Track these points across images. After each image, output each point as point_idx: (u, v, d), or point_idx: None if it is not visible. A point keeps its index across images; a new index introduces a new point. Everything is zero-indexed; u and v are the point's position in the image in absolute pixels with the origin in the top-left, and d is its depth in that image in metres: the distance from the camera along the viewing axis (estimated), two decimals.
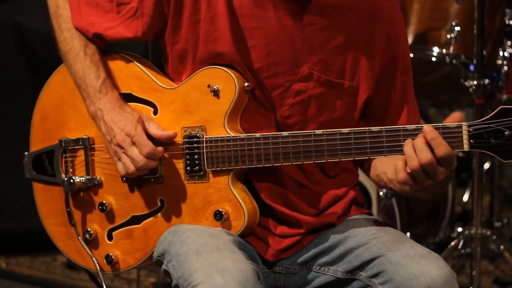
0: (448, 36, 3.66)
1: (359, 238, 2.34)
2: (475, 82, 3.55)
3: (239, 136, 2.31)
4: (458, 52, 3.67)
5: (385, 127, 2.21)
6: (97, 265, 2.47)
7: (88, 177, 2.48)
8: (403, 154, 2.19)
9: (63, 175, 2.50)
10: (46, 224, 2.58)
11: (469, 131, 2.15)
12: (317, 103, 2.38)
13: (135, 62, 2.46)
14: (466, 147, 2.15)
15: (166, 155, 2.37)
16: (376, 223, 2.44)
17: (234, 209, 2.31)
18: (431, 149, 2.15)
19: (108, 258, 2.46)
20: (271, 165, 2.30)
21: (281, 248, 2.39)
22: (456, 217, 4.40)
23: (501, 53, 3.76)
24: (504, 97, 3.90)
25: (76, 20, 2.46)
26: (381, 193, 3.68)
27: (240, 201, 2.31)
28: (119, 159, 2.35)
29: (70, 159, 2.50)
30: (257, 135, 2.30)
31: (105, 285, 2.47)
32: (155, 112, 2.41)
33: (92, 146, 2.48)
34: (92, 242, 2.49)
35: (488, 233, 3.74)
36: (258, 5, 2.33)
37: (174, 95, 2.39)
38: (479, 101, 3.56)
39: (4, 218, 4.49)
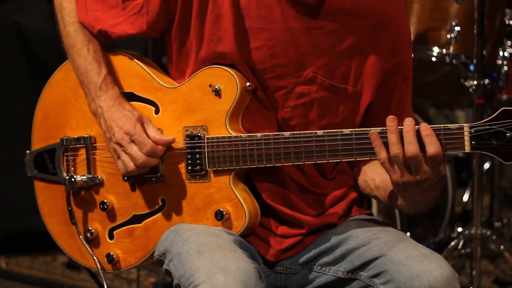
0: (448, 36, 3.66)
1: (361, 238, 2.34)
2: (475, 82, 3.55)
3: (241, 136, 2.31)
4: (458, 52, 3.67)
5: (384, 128, 2.20)
6: (98, 264, 2.47)
7: (89, 176, 2.48)
8: None
9: (65, 174, 2.50)
10: (47, 222, 2.58)
11: (470, 133, 2.15)
12: (319, 106, 2.38)
13: (137, 61, 2.47)
14: (467, 148, 2.15)
15: (167, 154, 2.37)
16: (377, 223, 2.44)
17: (235, 209, 2.31)
18: (422, 145, 2.14)
19: (109, 257, 2.46)
20: (272, 165, 2.30)
21: (282, 248, 2.39)
22: (456, 217, 4.40)
23: (501, 53, 3.76)
24: (504, 97, 3.90)
25: (82, 15, 2.46)
26: None
27: (241, 201, 2.31)
28: (119, 157, 2.35)
29: (72, 157, 2.50)
30: (259, 135, 2.30)
31: (106, 285, 2.46)
32: (157, 112, 2.41)
33: (94, 144, 2.48)
34: (93, 241, 2.49)
35: (488, 233, 3.74)
36: (265, 6, 2.33)
37: (176, 95, 2.39)
38: (479, 101, 3.56)
39: (5, 218, 4.49)
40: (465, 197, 4.75)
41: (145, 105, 2.42)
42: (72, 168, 2.50)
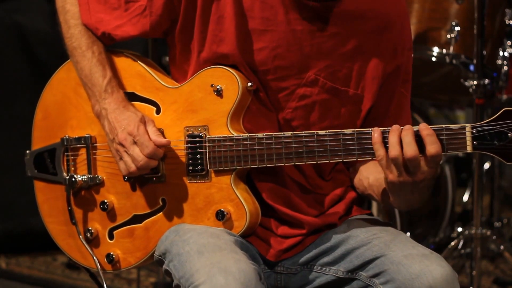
0: (448, 36, 3.66)
1: (361, 238, 2.34)
2: (475, 82, 3.55)
3: (242, 136, 2.31)
4: (458, 52, 3.67)
5: (388, 128, 2.21)
6: (98, 264, 2.46)
7: (89, 176, 2.48)
8: None
9: (65, 174, 2.50)
10: (47, 222, 2.58)
11: (472, 133, 2.15)
12: (320, 109, 2.38)
13: (138, 62, 2.47)
14: (469, 148, 2.15)
15: (168, 154, 2.37)
16: (377, 223, 2.45)
17: (236, 209, 2.31)
18: (421, 146, 2.14)
19: (109, 257, 2.46)
20: (273, 165, 2.30)
21: (282, 249, 2.39)
22: (456, 217, 4.39)
23: (501, 53, 3.76)
24: (504, 97, 3.90)
25: (85, 17, 2.46)
26: None
27: (242, 201, 2.31)
28: (121, 158, 2.35)
29: (72, 157, 2.50)
30: (260, 135, 2.30)
31: (105, 285, 2.46)
32: (158, 112, 2.41)
33: (94, 144, 2.48)
34: (93, 241, 2.49)
35: (488, 233, 3.74)
36: (269, 8, 2.33)
37: (177, 95, 2.39)
38: (479, 101, 3.56)
39: (5, 218, 4.49)
40: (465, 197, 4.75)
41: (146, 105, 2.43)
42: (73, 168, 2.50)
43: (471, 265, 3.65)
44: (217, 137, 2.33)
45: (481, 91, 3.55)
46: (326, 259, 2.38)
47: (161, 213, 2.40)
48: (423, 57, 3.70)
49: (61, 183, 2.51)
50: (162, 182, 2.39)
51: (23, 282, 4.21)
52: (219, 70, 2.35)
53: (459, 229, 3.87)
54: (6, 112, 4.47)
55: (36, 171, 2.57)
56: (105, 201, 2.46)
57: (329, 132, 2.25)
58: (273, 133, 2.29)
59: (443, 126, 2.17)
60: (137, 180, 2.42)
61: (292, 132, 2.28)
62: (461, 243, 3.78)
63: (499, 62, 3.75)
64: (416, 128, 2.17)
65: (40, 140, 2.57)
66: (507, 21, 3.79)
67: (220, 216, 2.31)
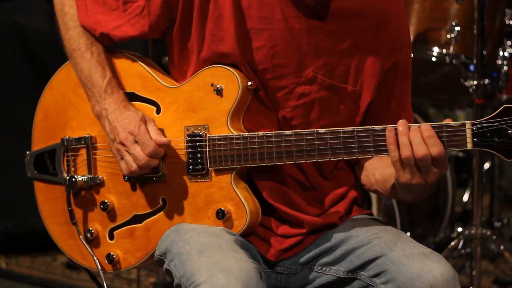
0: (448, 36, 3.66)
1: (361, 238, 2.34)
2: (475, 82, 3.55)
3: (242, 134, 2.31)
4: (458, 52, 3.67)
5: (389, 126, 2.21)
6: (98, 264, 2.46)
7: (90, 176, 2.47)
8: None
9: (65, 174, 2.50)
10: (47, 223, 2.58)
11: (472, 130, 2.16)
12: (320, 106, 2.38)
13: (138, 62, 2.47)
14: (469, 145, 2.16)
15: (168, 154, 2.37)
16: (378, 223, 2.45)
17: (237, 208, 2.32)
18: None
19: (109, 257, 2.46)
20: (274, 164, 2.30)
21: (283, 248, 2.39)
22: (456, 217, 4.39)
23: (501, 53, 3.76)
24: (504, 97, 3.90)
25: (83, 18, 2.46)
26: None
27: (243, 200, 2.31)
28: (122, 158, 2.35)
29: (72, 158, 2.50)
30: (260, 133, 2.30)
31: (106, 285, 2.46)
32: (158, 111, 2.41)
33: (95, 145, 2.48)
34: (93, 241, 2.48)
35: (488, 233, 3.74)
36: (266, 7, 2.33)
37: (177, 94, 2.39)
38: (479, 101, 3.56)
39: (4, 218, 4.49)
40: (465, 197, 4.75)
41: (146, 105, 2.43)
42: (73, 168, 2.50)
43: (471, 265, 3.65)
44: (218, 136, 2.33)
45: (481, 91, 3.55)
46: (326, 259, 2.38)
47: (161, 212, 2.40)
48: (423, 57, 3.70)
49: (61, 183, 2.51)
50: (162, 181, 2.39)
51: (23, 282, 4.21)
52: (219, 70, 2.35)
53: (459, 229, 3.87)
54: (6, 112, 4.47)
55: (36, 171, 2.56)
56: (105, 201, 2.45)
57: (329, 130, 2.25)
58: (273, 132, 2.30)
59: (443, 123, 2.17)
60: (137, 180, 2.42)
61: (293, 131, 2.28)
62: (461, 243, 3.78)
63: (499, 62, 3.75)
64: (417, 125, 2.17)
65: (40, 141, 2.57)
66: (507, 21, 3.79)
67: (221, 215, 2.31)
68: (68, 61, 2.52)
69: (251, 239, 2.38)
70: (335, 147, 2.25)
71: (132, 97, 2.44)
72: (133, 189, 2.43)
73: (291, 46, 2.35)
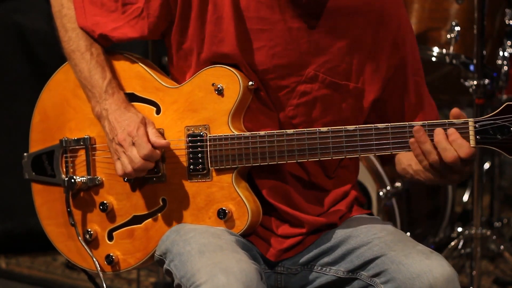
0: (448, 36, 3.67)
1: (361, 238, 2.34)
2: (475, 82, 3.55)
3: (243, 134, 2.31)
4: (458, 52, 3.67)
5: (391, 124, 2.21)
6: (98, 265, 2.46)
7: (89, 177, 2.47)
8: (409, 151, 2.20)
9: (63, 175, 2.50)
10: (45, 225, 2.57)
11: (475, 127, 2.16)
12: (322, 104, 2.38)
13: (137, 62, 2.47)
14: (472, 143, 2.16)
15: (169, 154, 2.37)
16: (378, 222, 2.45)
17: (238, 207, 2.31)
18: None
19: (108, 258, 2.45)
20: (275, 163, 2.30)
21: (283, 248, 2.39)
22: (456, 217, 4.39)
23: (501, 53, 3.76)
24: (504, 97, 3.91)
25: (81, 20, 2.46)
26: (381, 193, 3.68)
27: (244, 199, 2.31)
28: (119, 158, 2.35)
29: (71, 159, 2.50)
30: (262, 133, 2.30)
31: (105, 285, 2.46)
32: (158, 112, 2.41)
33: (94, 146, 2.47)
34: (92, 243, 2.48)
35: (488, 233, 3.74)
36: (265, 7, 2.33)
37: (177, 95, 2.39)
38: (479, 101, 3.56)
39: (4, 218, 4.49)
40: (465, 197, 4.75)
41: (146, 106, 2.42)
42: (71, 170, 2.50)
43: (471, 265, 3.65)
44: (219, 135, 2.33)
45: (481, 91, 3.55)
46: (326, 259, 2.38)
47: (161, 213, 2.40)
48: (423, 57, 3.66)
49: (59, 185, 2.50)
50: (162, 182, 2.39)
51: (23, 282, 4.21)
52: (220, 69, 2.35)
53: (459, 229, 3.87)
54: (6, 112, 4.47)
55: (34, 173, 2.56)
56: (105, 202, 2.45)
57: (331, 129, 2.25)
58: (274, 131, 2.29)
59: (446, 120, 2.18)
60: (137, 180, 2.41)
61: (294, 130, 2.28)
62: (461, 243, 3.78)
63: (499, 62, 3.76)
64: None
65: (37, 142, 2.56)
66: (507, 21, 3.80)
67: (222, 215, 2.31)
68: (66, 63, 2.51)
69: (251, 239, 2.39)
70: (337, 145, 2.25)
71: (131, 97, 2.44)
72: (133, 189, 2.43)
73: (291, 45, 2.35)
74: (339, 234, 2.39)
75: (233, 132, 2.32)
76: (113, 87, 2.41)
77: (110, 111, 2.38)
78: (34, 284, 4.19)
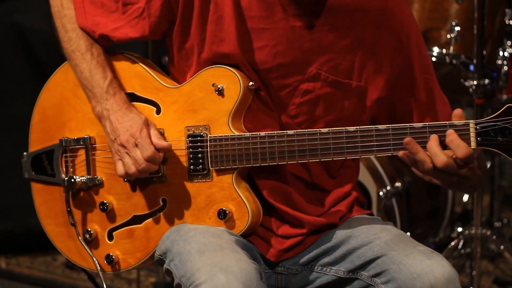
0: (448, 36, 3.67)
1: (361, 238, 2.34)
2: (475, 82, 3.55)
3: (244, 134, 2.31)
4: (458, 52, 3.67)
5: (392, 125, 2.21)
6: (98, 265, 2.46)
7: (89, 177, 2.47)
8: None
9: (63, 175, 2.50)
10: (44, 224, 2.57)
11: (476, 129, 2.16)
12: (324, 103, 2.38)
13: (138, 62, 2.46)
14: (473, 144, 2.16)
15: (169, 154, 2.37)
16: (378, 223, 2.44)
17: (238, 208, 2.31)
18: (446, 147, 2.16)
19: (108, 258, 2.45)
20: (276, 163, 2.30)
21: (283, 249, 2.39)
22: (456, 217, 4.40)
23: (501, 53, 3.76)
24: (504, 97, 3.91)
25: (81, 20, 2.46)
26: (381, 193, 3.68)
27: (244, 200, 2.31)
28: (120, 159, 2.35)
29: (71, 158, 2.50)
30: (262, 133, 2.30)
31: (105, 285, 2.46)
32: (158, 112, 2.41)
33: (94, 145, 2.47)
34: (92, 242, 2.48)
35: (488, 233, 3.74)
36: (266, 6, 2.33)
37: (178, 95, 2.39)
38: (479, 101, 3.57)
39: (4, 218, 4.49)
40: (465, 197, 4.74)
41: (146, 106, 2.42)
42: (71, 169, 2.49)
43: (471, 265, 3.65)
44: (219, 136, 2.32)
45: (481, 91, 3.55)
46: (326, 259, 2.38)
47: (161, 213, 2.40)
48: None
49: (59, 184, 2.50)
50: (162, 182, 2.39)
51: (23, 282, 4.22)
52: (220, 70, 2.34)
53: (459, 229, 3.88)
54: (6, 112, 4.47)
55: (33, 173, 2.56)
56: (105, 201, 2.45)
57: (332, 130, 2.25)
58: (275, 132, 2.29)
59: (447, 122, 2.18)
60: (137, 180, 2.41)
61: (295, 131, 2.28)
62: (461, 243, 3.79)
63: (499, 62, 3.76)
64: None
65: (37, 142, 2.56)
66: (507, 21, 3.80)
67: (222, 215, 2.31)
68: (65, 62, 2.51)
69: (252, 239, 2.38)
70: (338, 146, 2.25)
71: (131, 97, 2.43)
72: (133, 189, 2.43)
73: (293, 44, 2.35)
74: (339, 234, 2.39)
75: (234, 133, 2.32)
76: (114, 87, 2.41)
77: (111, 111, 2.38)
78: (34, 284, 4.19)
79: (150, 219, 2.41)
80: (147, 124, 2.34)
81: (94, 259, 2.46)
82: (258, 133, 2.30)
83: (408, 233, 3.65)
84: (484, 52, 3.56)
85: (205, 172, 2.35)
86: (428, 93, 2.44)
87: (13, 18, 4.47)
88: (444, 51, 3.68)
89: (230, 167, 2.32)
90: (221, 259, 2.14)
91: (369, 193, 3.69)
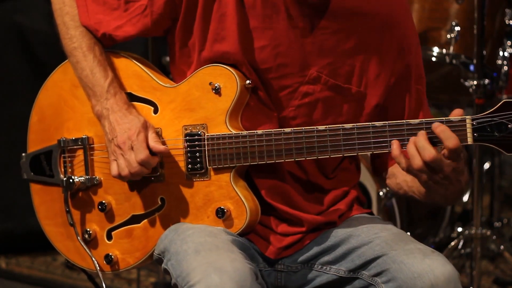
0: (448, 36, 3.66)
1: (362, 237, 2.34)
2: (475, 82, 3.55)
3: (241, 133, 2.31)
4: (458, 52, 3.67)
5: (389, 122, 2.21)
6: (97, 265, 2.46)
7: (87, 177, 2.47)
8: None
9: (62, 175, 2.50)
10: (44, 225, 2.57)
11: (472, 125, 2.15)
12: (323, 106, 2.38)
13: (135, 62, 2.46)
14: (470, 140, 2.16)
15: (167, 154, 2.37)
16: (378, 222, 2.44)
17: (236, 206, 2.31)
18: (436, 144, 2.14)
19: (107, 258, 2.45)
20: (273, 161, 2.30)
21: (282, 246, 2.39)
22: (456, 217, 4.39)
23: (501, 53, 3.76)
24: (504, 97, 3.91)
25: (84, 18, 2.46)
26: (381, 193, 3.68)
27: (242, 198, 2.31)
28: (115, 160, 2.35)
29: (69, 159, 2.50)
30: (260, 132, 2.30)
31: (105, 285, 2.46)
32: (156, 111, 2.41)
33: (92, 145, 2.47)
34: (91, 242, 2.48)
35: (488, 233, 3.74)
36: (270, 6, 2.33)
37: (175, 94, 2.39)
38: (479, 101, 3.56)
39: (4, 218, 4.49)
40: (465, 197, 4.74)
41: (144, 105, 2.42)
42: (70, 170, 2.50)
43: (471, 265, 3.65)
44: (216, 135, 2.32)
45: (481, 91, 3.55)
46: (327, 258, 2.38)
47: (160, 212, 2.40)
48: (423, 57, 3.67)
49: (58, 185, 2.50)
50: (161, 181, 2.39)
51: (23, 282, 4.22)
52: (217, 68, 2.34)
53: (459, 229, 3.87)
54: (6, 112, 4.47)
55: (32, 173, 2.56)
56: (103, 201, 2.45)
57: (329, 127, 2.25)
58: (272, 130, 2.29)
59: (443, 118, 2.17)
60: (136, 180, 2.41)
61: (292, 128, 2.28)
62: (461, 243, 3.78)
63: (499, 62, 3.76)
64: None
65: (35, 142, 2.56)
66: (507, 21, 3.80)
67: (220, 213, 2.31)
68: (64, 62, 2.51)
69: (251, 237, 2.38)
70: (335, 143, 2.25)
71: (129, 97, 2.43)
72: (131, 189, 2.43)
73: (295, 45, 2.35)
74: (339, 233, 2.39)
75: (231, 131, 2.32)
76: (115, 87, 2.41)
77: (111, 111, 2.38)
78: (34, 284, 4.19)
79: (148, 219, 2.42)
80: (145, 127, 2.34)
81: (93, 259, 2.46)
82: (255, 131, 2.30)
83: (408, 233, 3.65)
84: (484, 52, 3.56)
85: (203, 171, 2.34)
86: (417, 103, 2.45)
87: (13, 18, 4.47)
88: (444, 51, 3.68)
89: (228, 165, 2.32)
90: (216, 259, 2.14)
91: (369, 193, 3.69)
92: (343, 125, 2.24)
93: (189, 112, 2.36)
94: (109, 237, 2.47)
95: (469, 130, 2.15)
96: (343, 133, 2.24)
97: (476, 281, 3.62)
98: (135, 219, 2.43)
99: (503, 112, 2.13)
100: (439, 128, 2.15)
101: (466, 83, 3.58)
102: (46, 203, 2.55)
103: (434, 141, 2.15)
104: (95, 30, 2.45)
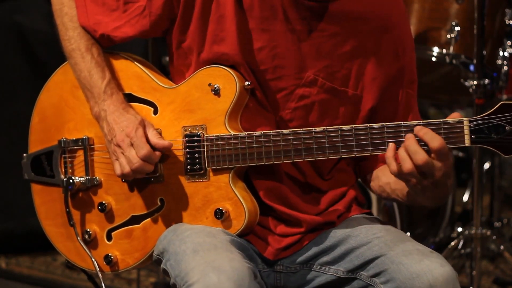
0: (448, 36, 3.66)
1: (361, 237, 2.34)
2: (475, 82, 3.55)
3: (240, 134, 2.31)
4: (458, 52, 3.67)
5: (387, 123, 2.21)
6: (97, 265, 2.46)
7: (87, 178, 2.47)
8: None
9: (62, 176, 2.50)
10: (44, 225, 2.58)
11: (470, 127, 2.15)
12: (319, 109, 2.38)
13: (135, 63, 2.47)
14: (467, 142, 2.16)
15: (166, 154, 2.37)
16: (377, 222, 2.45)
17: (235, 207, 2.32)
18: (425, 146, 2.14)
19: (107, 258, 2.46)
20: (272, 163, 2.30)
21: (281, 247, 2.39)
22: (456, 217, 4.40)
23: (501, 53, 3.76)
24: (504, 97, 3.90)
25: (83, 19, 2.46)
26: None
27: (241, 199, 2.31)
28: (117, 159, 2.35)
29: (70, 159, 2.50)
30: (258, 133, 2.30)
31: (105, 285, 2.46)
32: (155, 112, 2.41)
33: (92, 146, 2.48)
34: (91, 243, 2.48)
35: (488, 233, 3.74)
36: (268, 7, 2.33)
37: (174, 95, 2.39)
38: (479, 101, 3.56)
39: (4, 218, 4.49)
40: (465, 197, 4.75)
41: (144, 106, 2.43)
42: (70, 170, 2.50)
43: (471, 265, 3.65)
44: (215, 136, 2.33)
45: (481, 91, 3.55)
46: (325, 258, 2.38)
47: (159, 213, 2.40)
48: (423, 57, 3.70)
49: (58, 185, 2.51)
50: (160, 182, 2.39)
51: (23, 282, 4.22)
52: (216, 70, 2.35)
53: (459, 229, 3.87)
54: (6, 112, 4.47)
55: (33, 174, 2.56)
56: (103, 202, 2.45)
57: (327, 128, 2.25)
58: (271, 131, 2.29)
59: (441, 120, 2.17)
60: (135, 180, 2.41)
61: (290, 130, 2.28)
62: (461, 243, 3.78)
63: (499, 62, 3.75)
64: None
65: (37, 143, 2.56)
66: (507, 21, 3.79)
67: (219, 214, 2.31)
68: (65, 63, 2.52)
69: (249, 238, 2.39)
70: (333, 145, 2.25)
71: (129, 98, 2.44)
72: (131, 190, 2.43)
73: (292, 47, 2.35)
74: (338, 233, 2.39)
75: (230, 132, 2.32)
76: (112, 88, 2.41)
77: (108, 112, 2.38)
78: (34, 284, 4.19)
79: (148, 219, 2.42)
80: (143, 124, 2.34)
81: (93, 259, 2.46)
82: (253, 132, 2.30)
83: (408, 233, 3.67)
84: (484, 52, 3.55)
85: (202, 172, 2.35)
86: (406, 107, 2.45)
87: (13, 18, 4.47)
88: (444, 51, 3.68)
89: (226, 166, 2.32)
90: (214, 259, 2.14)
91: (369, 193, 3.69)
92: (341, 126, 2.24)
93: (188, 113, 2.37)
94: (109, 237, 2.47)
95: (466, 132, 2.15)
96: (341, 135, 2.24)
97: (476, 281, 3.62)
98: (134, 220, 2.44)
99: (501, 114, 2.13)
100: (422, 131, 2.15)
101: (466, 83, 3.57)
102: (46, 203, 2.56)
103: (420, 144, 2.14)
104: (94, 31, 2.46)
